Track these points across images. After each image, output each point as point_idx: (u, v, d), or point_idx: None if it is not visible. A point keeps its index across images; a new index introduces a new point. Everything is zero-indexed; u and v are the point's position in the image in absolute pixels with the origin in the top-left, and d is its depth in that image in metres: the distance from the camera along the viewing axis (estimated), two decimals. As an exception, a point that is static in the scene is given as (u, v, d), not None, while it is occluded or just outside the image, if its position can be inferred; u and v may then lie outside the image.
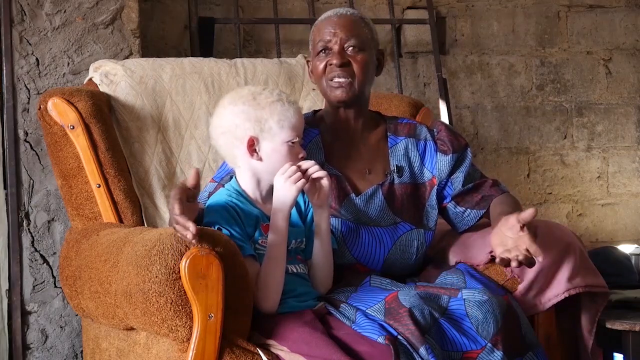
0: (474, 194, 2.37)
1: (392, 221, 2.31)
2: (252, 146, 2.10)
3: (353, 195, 2.31)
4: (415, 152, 2.38)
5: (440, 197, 2.38)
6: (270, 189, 2.14)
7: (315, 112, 2.46)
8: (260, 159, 2.11)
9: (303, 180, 2.05)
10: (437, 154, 2.38)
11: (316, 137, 2.36)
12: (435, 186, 2.37)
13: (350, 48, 2.30)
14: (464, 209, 2.37)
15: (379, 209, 2.31)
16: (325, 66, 2.30)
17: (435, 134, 2.40)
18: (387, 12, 3.55)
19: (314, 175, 2.07)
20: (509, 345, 2.02)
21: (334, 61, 2.28)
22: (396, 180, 2.35)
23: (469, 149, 2.41)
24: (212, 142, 2.20)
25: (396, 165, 2.36)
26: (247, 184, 2.15)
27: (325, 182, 2.09)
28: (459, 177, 2.37)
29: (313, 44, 2.35)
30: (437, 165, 2.37)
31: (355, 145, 2.37)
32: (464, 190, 2.37)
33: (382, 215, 2.31)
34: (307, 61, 2.41)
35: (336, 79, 2.29)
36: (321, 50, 2.31)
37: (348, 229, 2.27)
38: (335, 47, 2.29)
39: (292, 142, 2.10)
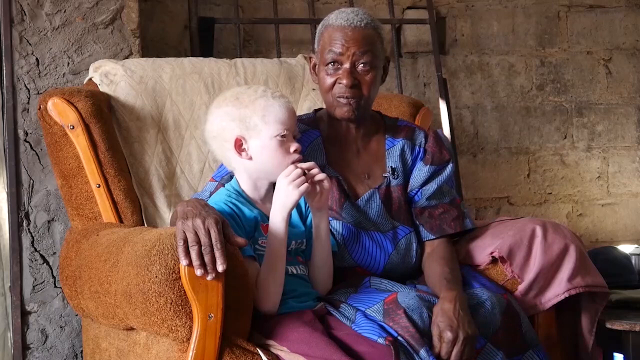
0: (435, 215, 2.31)
1: (390, 226, 2.30)
2: (240, 146, 2.10)
3: (352, 199, 2.30)
4: (410, 156, 2.36)
5: (409, 201, 2.36)
6: (270, 189, 2.14)
7: (316, 111, 2.44)
8: (250, 158, 2.10)
9: (307, 184, 2.03)
10: (421, 162, 2.36)
11: (317, 138, 2.35)
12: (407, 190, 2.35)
13: (361, 65, 2.24)
14: (417, 223, 2.33)
15: (377, 213, 2.29)
16: (334, 83, 2.26)
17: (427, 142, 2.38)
18: (387, 12, 3.55)
19: (316, 178, 2.06)
20: (509, 343, 2.02)
21: (344, 81, 2.23)
22: (392, 182, 2.34)
23: (450, 164, 2.36)
24: (208, 147, 2.20)
25: (391, 166, 2.35)
26: (245, 185, 2.15)
27: (326, 184, 2.08)
28: (429, 189, 2.33)
29: (321, 50, 2.29)
30: (415, 173, 2.35)
31: (356, 150, 2.36)
32: (427, 205, 2.32)
33: (381, 221, 2.29)
34: (309, 58, 2.39)
35: (344, 99, 2.25)
36: (330, 62, 2.25)
37: (349, 232, 2.26)
38: (347, 64, 2.23)
39: (281, 136, 2.08)
